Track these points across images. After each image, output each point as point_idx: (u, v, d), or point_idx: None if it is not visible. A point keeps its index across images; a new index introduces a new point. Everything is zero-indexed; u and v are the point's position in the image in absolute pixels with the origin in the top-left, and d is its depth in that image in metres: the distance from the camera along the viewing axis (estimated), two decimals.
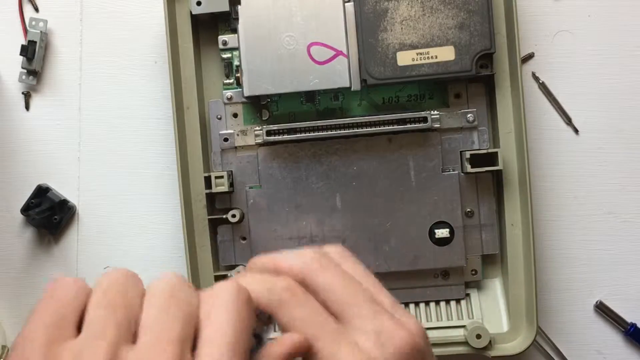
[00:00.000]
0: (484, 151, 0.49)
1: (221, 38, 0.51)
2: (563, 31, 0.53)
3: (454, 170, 0.50)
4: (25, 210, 0.53)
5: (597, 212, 0.53)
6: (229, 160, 0.51)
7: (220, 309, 0.25)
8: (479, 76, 0.49)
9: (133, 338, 0.24)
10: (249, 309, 0.26)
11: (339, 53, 0.48)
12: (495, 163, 0.49)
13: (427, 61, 0.47)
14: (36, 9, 0.56)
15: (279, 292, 0.27)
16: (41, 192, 0.54)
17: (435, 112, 0.49)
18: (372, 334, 0.27)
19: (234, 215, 0.50)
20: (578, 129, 0.53)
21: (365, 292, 0.28)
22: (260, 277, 0.28)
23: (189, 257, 0.50)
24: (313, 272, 0.28)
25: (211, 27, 0.52)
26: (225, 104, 0.51)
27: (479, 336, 0.49)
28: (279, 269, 0.29)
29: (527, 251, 0.49)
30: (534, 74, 0.53)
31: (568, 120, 0.53)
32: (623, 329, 0.52)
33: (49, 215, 0.53)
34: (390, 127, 0.49)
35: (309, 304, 0.27)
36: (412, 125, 0.49)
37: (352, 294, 0.28)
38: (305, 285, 0.28)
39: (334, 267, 0.29)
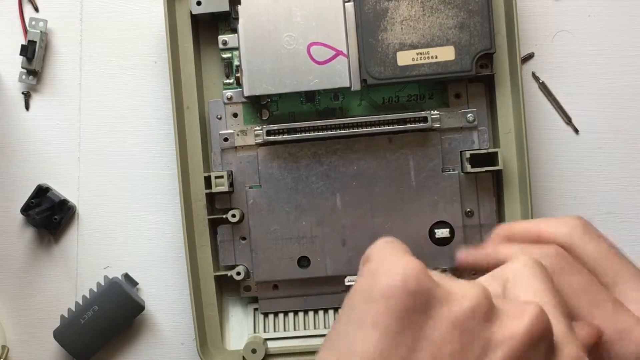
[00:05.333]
0: (484, 151, 0.49)
1: (221, 38, 0.51)
2: (563, 31, 0.53)
3: (454, 170, 0.50)
4: (25, 210, 0.53)
5: (597, 212, 0.53)
6: (229, 160, 0.51)
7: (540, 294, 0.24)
8: (479, 76, 0.49)
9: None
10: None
11: (339, 53, 0.48)
12: (495, 163, 0.49)
13: (427, 61, 0.47)
14: (36, 9, 0.56)
15: (550, 260, 0.26)
16: (41, 192, 0.53)
17: (435, 112, 0.49)
18: None
19: (234, 215, 0.50)
20: (578, 129, 0.53)
21: (628, 263, 0.27)
22: (526, 246, 0.27)
23: (189, 257, 0.50)
24: (581, 240, 0.27)
25: (211, 27, 0.52)
26: (225, 104, 0.51)
27: None
28: (542, 236, 0.27)
29: None
30: (534, 74, 0.53)
31: (568, 120, 0.53)
32: None
33: (49, 215, 0.53)
34: (391, 127, 0.49)
35: (583, 271, 0.26)
36: (412, 125, 0.49)
37: (621, 264, 0.27)
38: (572, 253, 0.27)
39: (599, 237, 0.27)
